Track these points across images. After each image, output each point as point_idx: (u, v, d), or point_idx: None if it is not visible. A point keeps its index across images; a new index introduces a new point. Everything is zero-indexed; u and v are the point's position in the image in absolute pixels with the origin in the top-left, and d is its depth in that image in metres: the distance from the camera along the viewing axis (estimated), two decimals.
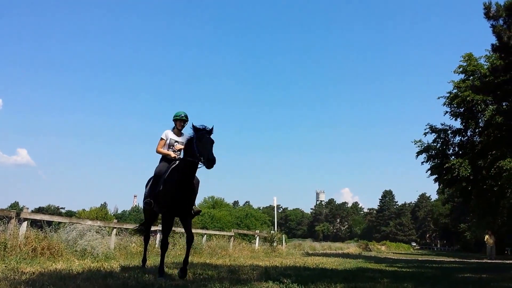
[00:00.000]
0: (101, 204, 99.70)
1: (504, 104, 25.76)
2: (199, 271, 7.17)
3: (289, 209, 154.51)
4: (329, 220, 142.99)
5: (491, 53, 19.57)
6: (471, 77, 30.57)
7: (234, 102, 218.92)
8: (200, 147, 5.87)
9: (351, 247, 36.29)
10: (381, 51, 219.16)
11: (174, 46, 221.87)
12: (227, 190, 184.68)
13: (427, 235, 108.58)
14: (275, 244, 20.05)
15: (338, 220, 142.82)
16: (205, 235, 16.08)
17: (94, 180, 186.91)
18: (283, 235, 25.41)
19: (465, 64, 31.13)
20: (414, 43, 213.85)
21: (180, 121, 7.20)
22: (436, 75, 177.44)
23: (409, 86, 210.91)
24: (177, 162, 6.55)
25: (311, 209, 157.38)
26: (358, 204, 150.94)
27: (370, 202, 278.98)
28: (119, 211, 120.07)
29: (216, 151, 5.96)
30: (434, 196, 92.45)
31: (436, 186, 35.27)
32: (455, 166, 29.51)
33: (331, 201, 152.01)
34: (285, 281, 6.12)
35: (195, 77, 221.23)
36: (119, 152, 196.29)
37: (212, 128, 6.12)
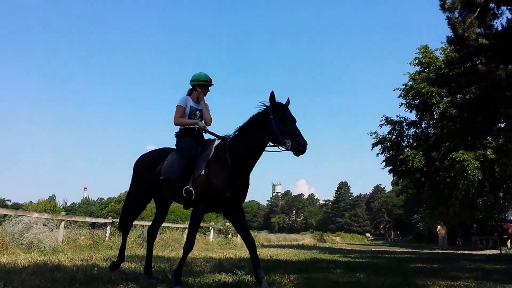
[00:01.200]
0: (50, 197, 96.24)
1: (458, 96, 26.92)
2: None
3: (245, 201, 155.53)
4: (285, 212, 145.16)
5: (447, 46, 20.42)
6: (427, 69, 31.75)
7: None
8: (284, 127, 4.68)
9: (306, 239, 37.08)
10: (338, 41, 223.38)
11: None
12: None
13: (381, 226, 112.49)
14: (230, 236, 20.22)
15: (294, 211, 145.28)
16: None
17: (42, 171, 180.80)
18: None
19: (421, 56, 32.28)
20: (372, 33, 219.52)
21: (205, 87, 5.78)
22: (393, 66, 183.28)
23: (366, 78, 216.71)
24: (230, 140, 5.07)
25: (267, 201, 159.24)
26: (314, 196, 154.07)
27: (326, 193, 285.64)
28: (68, 204, 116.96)
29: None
30: (388, 188, 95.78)
31: (390, 177, 36.67)
32: (409, 157, 30.73)
33: (287, 193, 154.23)
34: (239, 272, 6.25)
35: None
36: (70, 142, 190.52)
37: (289, 102, 4.97)
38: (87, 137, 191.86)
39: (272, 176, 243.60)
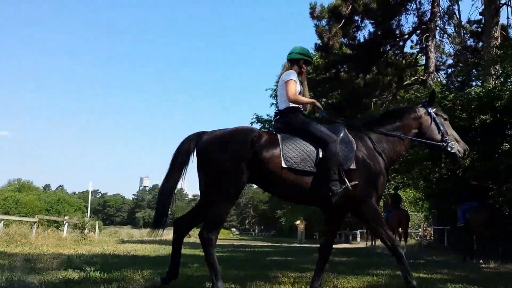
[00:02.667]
0: None
1: (322, 100, 28.98)
2: None
3: (108, 194, 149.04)
4: (152, 207, 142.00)
5: (315, 52, 21.85)
6: None
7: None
8: (447, 131, 4.56)
9: (171, 234, 36.65)
10: (217, 40, 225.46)
11: None
12: (36, 172, 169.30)
13: (247, 221, 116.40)
14: (86, 231, 19.16)
15: None
16: (2, 221, 14.68)
17: None
18: (97, 222, 24.79)
19: None
20: (246, 34, 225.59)
21: (307, 63, 4.88)
22: (266, 67, 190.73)
23: (241, 78, 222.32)
24: (376, 132, 4.56)
25: (133, 194, 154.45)
26: (183, 191, 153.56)
27: (196, 189, 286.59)
28: None
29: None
30: None
31: None
32: None
33: (155, 187, 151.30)
34: (88, 269, 5.93)
35: None
36: None
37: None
38: None
39: (141, 169, 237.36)
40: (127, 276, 5.47)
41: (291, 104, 4.54)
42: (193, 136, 4.35)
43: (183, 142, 4.36)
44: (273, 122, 4.71)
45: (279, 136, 4.27)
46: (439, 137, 4.64)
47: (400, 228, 14.88)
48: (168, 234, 34.40)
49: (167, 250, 11.83)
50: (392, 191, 17.38)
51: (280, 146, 4.13)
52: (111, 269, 5.92)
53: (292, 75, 4.60)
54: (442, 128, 4.64)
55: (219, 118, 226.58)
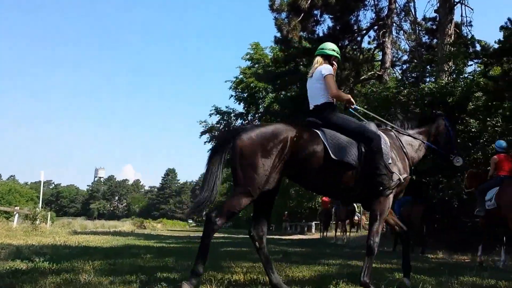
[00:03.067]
0: None
1: (281, 93, 29.20)
2: None
3: (62, 185, 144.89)
4: (107, 198, 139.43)
5: (275, 45, 21.94)
6: (257, 65, 33.77)
7: None
8: (455, 141, 4.94)
9: (126, 225, 36.20)
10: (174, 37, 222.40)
11: None
12: None
13: (204, 212, 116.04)
14: (38, 222, 18.54)
15: (117, 197, 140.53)
16: None
17: None
18: (49, 213, 24.13)
19: (252, 52, 34.19)
20: (211, 25, 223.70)
21: (336, 59, 4.91)
22: (227, 59, 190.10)
23: (200, 68, 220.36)
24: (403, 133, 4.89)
25: (87, 186, 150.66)
26: (140, 182, 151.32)
27: (153, 180, 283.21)
28: None
29: None
30: None
31: None
32: None
33: (110, 178, 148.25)
34: (37, 260, 5.75)
35: None
36: None
37: None
38: None
39: (96, 160, 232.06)
40: (77, 266, 5.34)
41: (329, 99, 4.58)
42: (231, 132, 4.35)
43: (221, 139, 4.42)
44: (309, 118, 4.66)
45: (319, 132, 4.29)
46: (452, 151, 5.04)
47: (348, 221, 15.21)
48: (122, 226, 33.71)
49: (120, 241, 11.66)
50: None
51: (324, 141, 4.20)
52: (61, 260, 5.77)
53: (331, 69, 4.62)
54: (454, 142, 5.06)
55: (176, 110, 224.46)
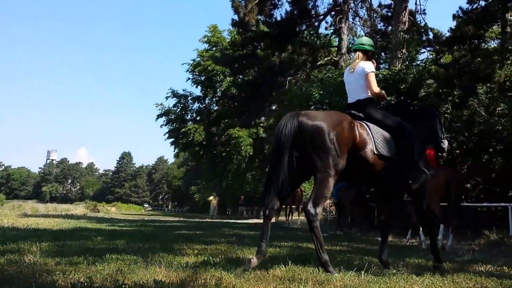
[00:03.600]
0: None
1: (239, 77, 29.11)
2: None
3: (13, 167, 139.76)
4: (60, 181, 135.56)
5: (233, 28, 21.71)
6: (214, 48, 33.40)
7: None
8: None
9: (79, 209, 35.34)
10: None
11: None
12: None
13: (160, 196, 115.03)
14: None
15: (70, 180, 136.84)
16: None
17: None
18: None
19: (210, 34, 33.76)
20: (168, 5, 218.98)
21: (373, 55, 5.30)
22: (184, 41, 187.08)
23: (155, 49, 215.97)
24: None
25: (39, 168, 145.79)
26: (94, 165, 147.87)
27: (107, 163, 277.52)
28: None
29: None
30: (171, 160, 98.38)
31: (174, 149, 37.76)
32: (191, 131, 32.06)
33: (63, 161, 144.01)
34: None
35: None
36: None
37: None
38: None
39: (48, 142, 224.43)
40: (23, 248, 5.17)
41: (369, 95, 4.87)
42: (292, 117, 4.33)
43: (285, 125, 4.29)
44: (349, 110, 4.90)
45: (365, 124, 4.59)
46: (440, 134, 5.41)
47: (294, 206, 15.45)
48: (75, 209, 32.92)
49: (71, 224, 11.36)
50: None
51: (370, 133, 4.50)
52: (7, 242, 5.57)
53: (373, 67, 4.92)
54: (442, 128, 5.51)
55: (132, 92, 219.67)
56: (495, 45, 12.17)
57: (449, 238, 8.37)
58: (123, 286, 3.06)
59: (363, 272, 4.13)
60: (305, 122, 4.22)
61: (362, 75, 4.85)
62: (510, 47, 10.63)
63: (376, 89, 4.82)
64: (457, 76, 10.77)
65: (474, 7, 10.92)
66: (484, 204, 11.12)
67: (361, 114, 4.79)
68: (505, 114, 10.81)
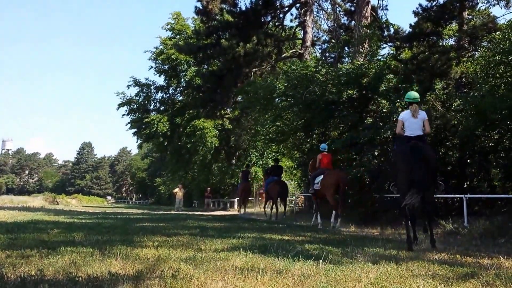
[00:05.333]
0: None
1: (204, 67, 28.83)
2: None
3: None
4: (16, 172, 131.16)
5: (196, 16, 21.43)
6: (178, 36, 32.89)
7: None
8: None
9: (37, 201, 34.35)
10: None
11: None
12: None
13: (124, 188, 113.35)
14: None
15: (27, 172, 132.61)
16: None
17: None
18: None
19: (173, 22, 33.20)
20: None
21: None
22: (146, 27, 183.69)
23: (116, 35, 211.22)
24: None
25: None
26: (53, 156, 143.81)
27: (67, 154, 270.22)
28: None
29: None
30: (135, 151, 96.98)
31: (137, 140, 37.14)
32: (154, 121, 31.61)
33: (20, 151, 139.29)
34: None
35: None
36: None
37: None
38: None
39: (2, 131, 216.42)
40: None
41: (424, 133, 7.13)
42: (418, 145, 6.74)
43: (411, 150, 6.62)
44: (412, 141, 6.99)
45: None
46: None
47: (279, 198, 15.47)
48: (33, 201, 31.94)
49: (27, 216, 11.06)
50: (273, 163, 18.01)
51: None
52: None
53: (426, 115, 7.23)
54: None
55: (93, 80, 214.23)
56: (453, 43, 12.53)
57: (337, 220, 10.94)
58: (76, 279, 3.02)
59: (321, 261, 4.22)
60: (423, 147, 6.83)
61: (424, 119, 7.10)
62: (466, 45, 10.97)
63: (430, 130, 7.63)
64: (415, 71, 11.05)
65: (433, 4, 11.20)
66: (440, 195, 11.48)
67: (420, 143, 6.82)
68: (460, 110, 11.18)
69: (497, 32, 10.55)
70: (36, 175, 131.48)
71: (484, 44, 11.37)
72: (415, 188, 6.19)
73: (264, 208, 16.31)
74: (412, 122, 7.05)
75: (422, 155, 6.46)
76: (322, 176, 11.54)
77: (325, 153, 12.22)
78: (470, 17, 12.03)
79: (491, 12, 12.30)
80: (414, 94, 7.23)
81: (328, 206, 11.67)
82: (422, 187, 6.29)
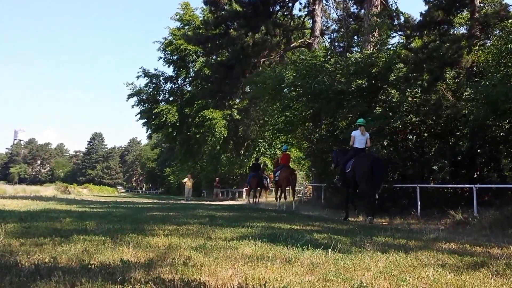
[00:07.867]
0: None
1: (212, 57, 28.71)
2: None
3: None
4: (28, 162, 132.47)
5: (205, 6, 21.32)
6: (186, 27, 32.79)
7: None
8: None
9: (49, 190, 34.65)
10: None
11: None
12: None
13: (134, 178, 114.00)
14: None
15: (39, 162, 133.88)
16: None
17: None
18: None
19: (182, 12, 33.08)
20: None
21: None
22: (155, 18, 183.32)
23: (126, 26, 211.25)
24: None
25: (6, 148, 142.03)
26: (64, 146, 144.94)
27: (77, 144, 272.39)
28: None
29: None
30: (144, 141, 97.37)
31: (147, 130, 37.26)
32: (163, 112, 31.66)
33: (32, 141, 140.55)
34: None
35: None
36: None
37: None
38: None
39: (15, 121, 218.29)
40: None
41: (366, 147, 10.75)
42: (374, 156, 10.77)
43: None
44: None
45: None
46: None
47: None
48: (45, 191, 32.27)
49: (39, 205, 11.18)
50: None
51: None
52: None
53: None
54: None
55: (103, 71, 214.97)
56: (464, 31, 12.35)
57: (292, 205, 15.08)
58: (89, 266, 3.06)
59: (330, 250, 4.22)
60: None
61: (367, 138, 10.56)
62: (477, 33, 10.81)
63: (371, 144, 11.00)
64: (426, 60, 10.92)
65: None
66: (450, 185, 11.43)
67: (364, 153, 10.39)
68: (471, 99, 11.06)
69: (509, 20, 10.37)
70: (48, 165, 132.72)
71: (496, 32, 11.21)
72: (365, 180, 9.51)
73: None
74: (360, 138, 10.49)
75: (374, 163, 9.69)
76: (279, 172, 15.30)
77: (286, 153, 16.52)
78: (482, 5, 11.82)
79: (503, 0, 12.06)
80: (362, 121, 10.59)
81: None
82: (371, 180, 9.47)
